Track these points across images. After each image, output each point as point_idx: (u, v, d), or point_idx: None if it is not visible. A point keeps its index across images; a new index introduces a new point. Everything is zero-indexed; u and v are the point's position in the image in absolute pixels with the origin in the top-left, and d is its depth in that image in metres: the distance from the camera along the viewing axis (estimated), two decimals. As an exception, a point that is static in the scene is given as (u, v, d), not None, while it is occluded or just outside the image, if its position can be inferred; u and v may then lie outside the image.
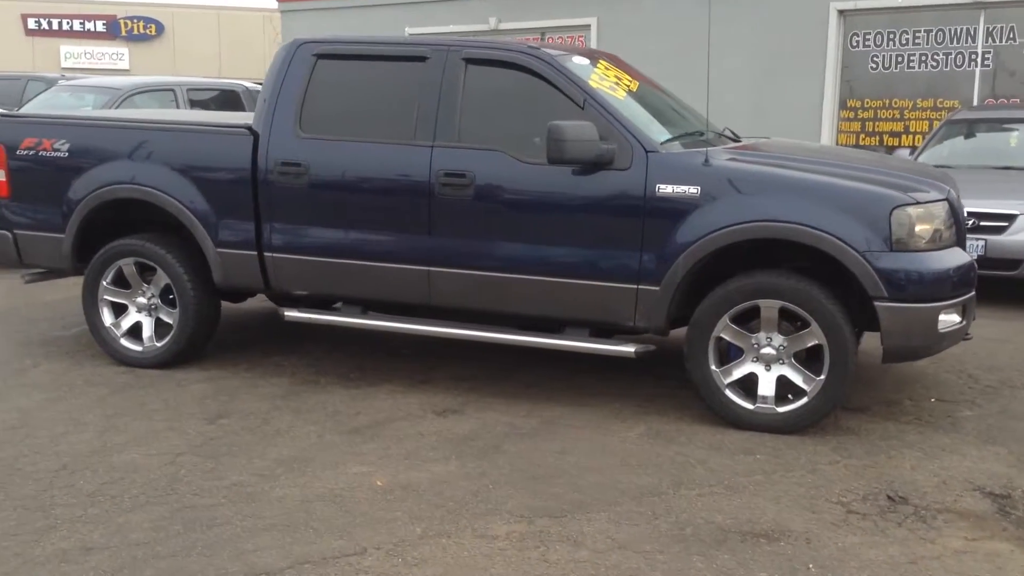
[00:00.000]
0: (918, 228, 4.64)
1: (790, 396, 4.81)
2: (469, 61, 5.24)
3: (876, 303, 4.60)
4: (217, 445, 4.60)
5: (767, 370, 4.83)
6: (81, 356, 6.14)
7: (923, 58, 13.52)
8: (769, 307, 4.74)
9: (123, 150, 5.76)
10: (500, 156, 5.07)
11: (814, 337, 4.70)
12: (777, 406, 4.80)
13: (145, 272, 5.86)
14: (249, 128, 5.56)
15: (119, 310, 5.96)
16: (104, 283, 5.88)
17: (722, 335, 4.85)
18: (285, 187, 5.43)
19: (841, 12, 14.05)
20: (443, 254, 5.21)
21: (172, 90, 10.52)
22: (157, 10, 37.55)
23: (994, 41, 13.20)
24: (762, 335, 4.81)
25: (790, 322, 4.79)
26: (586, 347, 5.14)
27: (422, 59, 5.32)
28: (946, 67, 13.37)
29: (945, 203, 4.81)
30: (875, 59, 13.83)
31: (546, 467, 4.36)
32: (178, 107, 10.44)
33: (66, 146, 5.85)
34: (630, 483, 4.19)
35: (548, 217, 5.05)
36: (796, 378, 4.78)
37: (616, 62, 5.67)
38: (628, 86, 5.38)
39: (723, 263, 4.89)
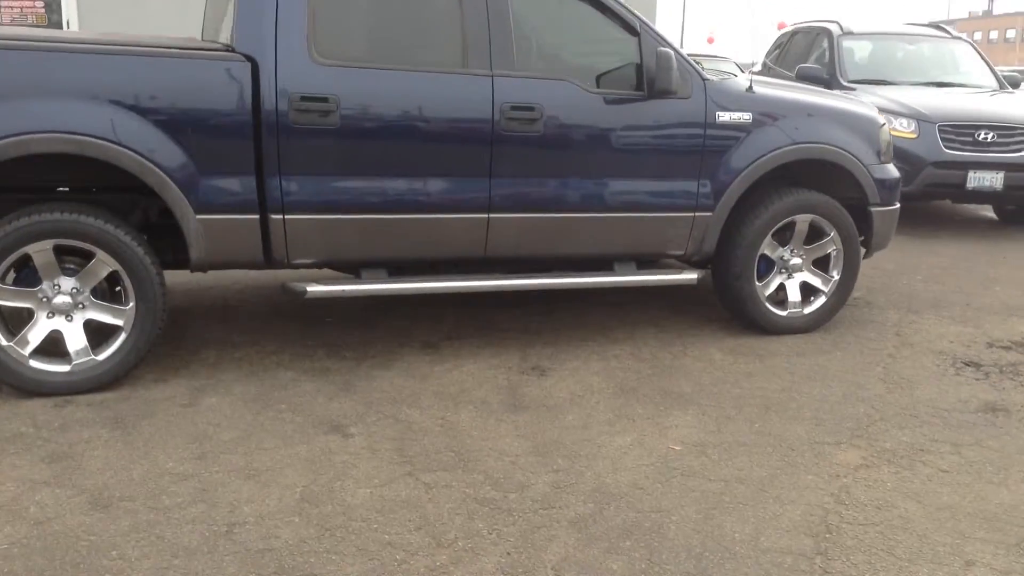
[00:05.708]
0: (888, 142, 5.53)
1: (811, 299, 5.42)
2: (508, -22, 4.63)
3: (872, 208, 5.41)
4: (426, 460, 3.60)
5: (789, 279, 5.36)
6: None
7: None
8: (803, 221, 5.25)
9: (37, 85, 3.85)
10: (569, 86, 4.65)
11: (832, 244, 5.35)
12: (803, 308, 5.38)
13: (64, 258, 4.08)
14: (236, 51, 4.17)
15: (10, 320, 4.09)
16: (-4, 282, 3.95)
17: (764, 251, 5.23)
18: (305, 128, 4.23)
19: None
20: (506, 199, 4.63)
21: None
22: None
23: None
24: (789, 248, 5.31)
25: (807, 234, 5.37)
26: (654, 279, 5.07)
27: (456, -29, 4.54)
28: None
29: (885, 123, 5.79)
30: None
31: (750, 399, 4.37)
32: None
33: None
34: (831, 394, 4.46)
35: (616, 150, 4.80)
36: (815, 281, 5.40)
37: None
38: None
39: None
